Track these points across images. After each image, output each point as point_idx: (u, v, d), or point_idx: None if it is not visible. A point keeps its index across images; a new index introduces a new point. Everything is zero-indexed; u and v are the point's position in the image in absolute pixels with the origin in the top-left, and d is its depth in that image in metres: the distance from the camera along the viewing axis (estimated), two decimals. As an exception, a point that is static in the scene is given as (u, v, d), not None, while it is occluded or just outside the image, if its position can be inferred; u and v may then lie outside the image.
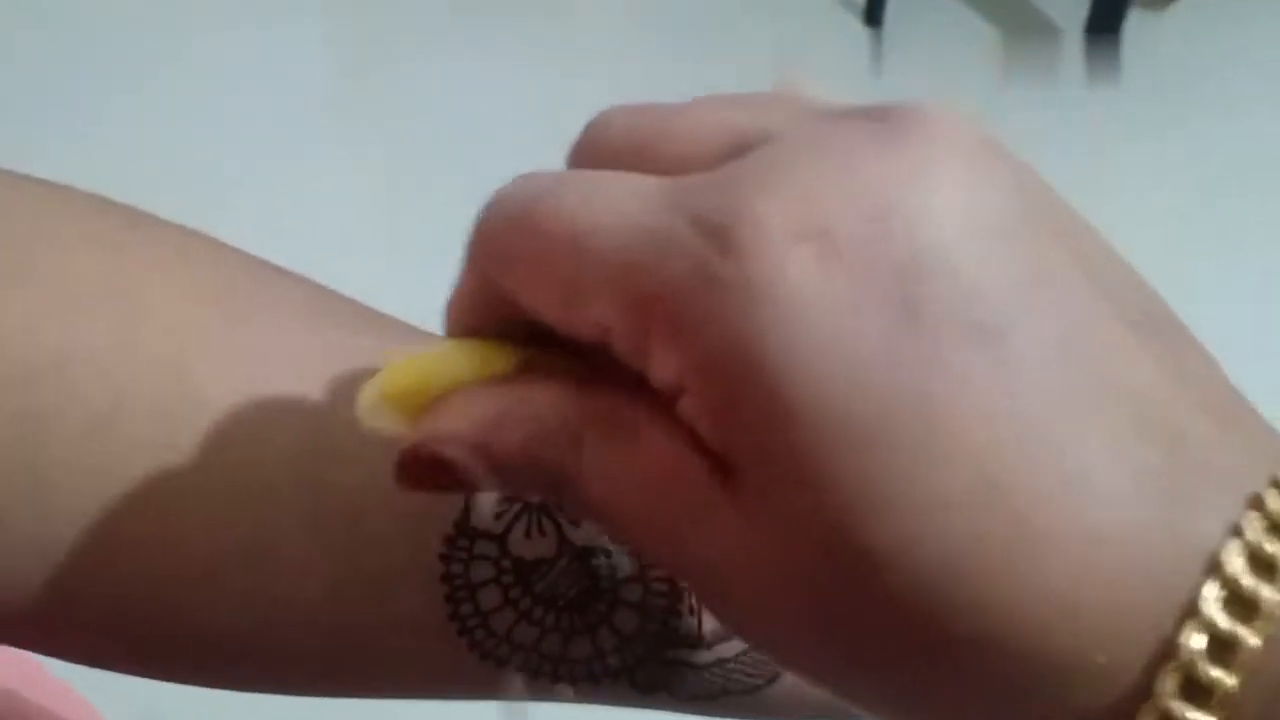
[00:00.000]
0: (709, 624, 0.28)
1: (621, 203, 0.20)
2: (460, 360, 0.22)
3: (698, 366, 0.19)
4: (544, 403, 0.21)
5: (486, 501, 0.28)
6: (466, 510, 0.27)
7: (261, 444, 0.27)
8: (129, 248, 0.29)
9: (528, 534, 0.28)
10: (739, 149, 0.20)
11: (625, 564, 0.28)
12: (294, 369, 0.28)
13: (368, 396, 0.23)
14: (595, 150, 0.22)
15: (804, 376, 0.18)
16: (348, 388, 0.28)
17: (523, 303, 0.21)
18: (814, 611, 0.19)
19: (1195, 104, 1.42)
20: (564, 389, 0.21)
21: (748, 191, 0.19)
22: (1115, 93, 1.43)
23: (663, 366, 0.19)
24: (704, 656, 0.28)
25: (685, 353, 0.19)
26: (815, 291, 0.18)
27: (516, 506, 0.28)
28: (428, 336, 0.31)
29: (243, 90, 1.38)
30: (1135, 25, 1.43)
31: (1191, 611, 0.17)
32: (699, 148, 0.21)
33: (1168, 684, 0.17)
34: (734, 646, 0.28)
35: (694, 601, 0.28)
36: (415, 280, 1.17)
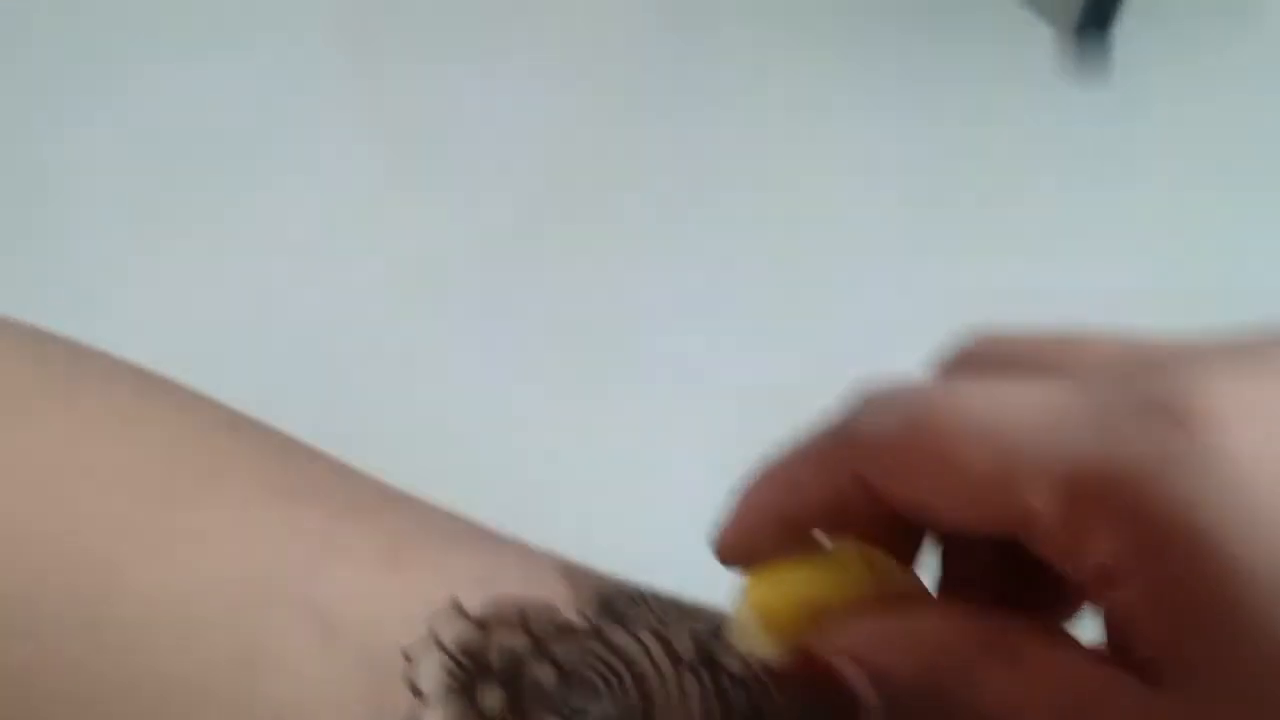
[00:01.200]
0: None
1: (1042, 398, 0.20)
2: (830, 575, 0.23)
3: (1145, 547, 0.19)
4: (933, 627, 0.22)
5: (432, 714, 0.25)
6: (412, 720, 0.24)
7: (191, 648, 0.25)
8: (71, 407, 0.27)
9: (482, 745, 0.25)
10: (1147, 362, 0.20)
11: None
12: (239, 556, 0.25)
13: (745, 616, 0.23)
14: (984, 356, 0.23)
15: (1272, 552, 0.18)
16: (298, 577, 0.25)
17: (914, 501, 0.21)
18: None
19: (1182, 107, 1.39)
20: (950, 611, 0.22)
21: (1197, 374, 0.19)
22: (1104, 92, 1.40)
23: (1098, 552, 0.19)
24: None
25: (1131, 535, 0.19)
26: (1271, 462, 0.18)
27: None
28: (391, 495, 0.28)
29: (247, 93, 1.34)
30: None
31: None
32: (1107, 355, 0.21)
33: None
34: None
35: None
36: (418, 289, 1.14)
